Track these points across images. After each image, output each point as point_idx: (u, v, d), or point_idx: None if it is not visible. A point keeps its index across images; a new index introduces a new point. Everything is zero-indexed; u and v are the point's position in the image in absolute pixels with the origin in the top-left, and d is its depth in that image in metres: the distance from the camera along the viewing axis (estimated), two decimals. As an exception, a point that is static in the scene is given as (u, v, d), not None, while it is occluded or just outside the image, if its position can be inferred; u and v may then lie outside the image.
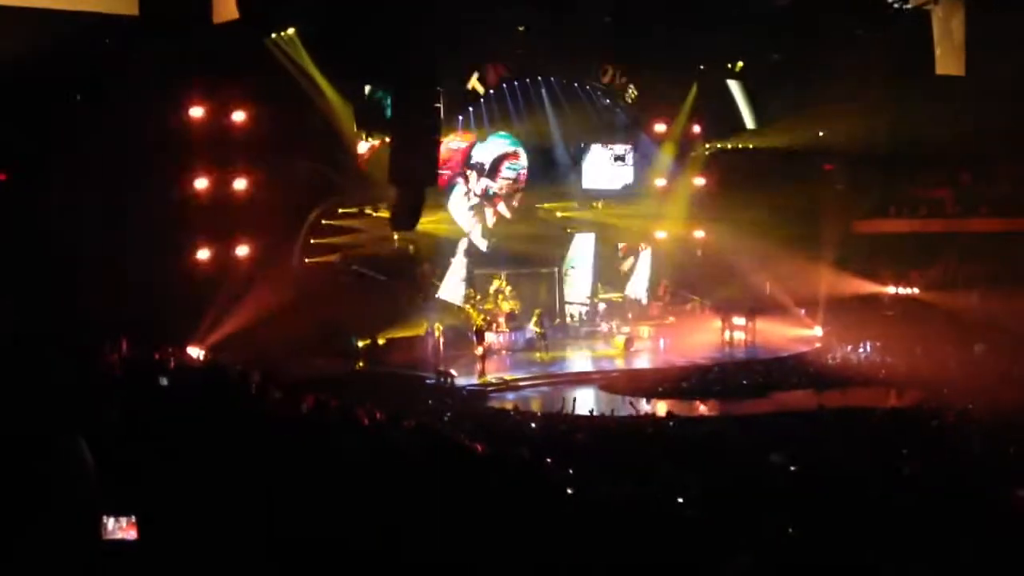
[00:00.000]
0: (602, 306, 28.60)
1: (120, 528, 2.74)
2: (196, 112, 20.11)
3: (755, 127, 27.71)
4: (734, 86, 27.60)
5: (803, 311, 27.00)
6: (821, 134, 27.58)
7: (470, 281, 26.48)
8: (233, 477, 3.66)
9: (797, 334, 26.27)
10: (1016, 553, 6.54)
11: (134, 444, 3.65)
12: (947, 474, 10.78)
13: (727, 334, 26.02)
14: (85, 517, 2.21)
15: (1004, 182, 27.25)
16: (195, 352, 17.43)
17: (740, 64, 27.90)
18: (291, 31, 21.12)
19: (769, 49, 26.44)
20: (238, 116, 20.76)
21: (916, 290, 26.34)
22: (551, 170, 28.08)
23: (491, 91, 25.99)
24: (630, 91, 27.36)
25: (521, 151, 27.46)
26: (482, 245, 27.17)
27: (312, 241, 23.25)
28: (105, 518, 2.66)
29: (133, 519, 2.78)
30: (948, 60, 20.75)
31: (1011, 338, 21.39)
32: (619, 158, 28.80)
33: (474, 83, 25.44)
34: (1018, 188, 26.75)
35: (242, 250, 21.25)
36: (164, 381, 7.25)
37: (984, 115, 23.24)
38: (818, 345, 25.42)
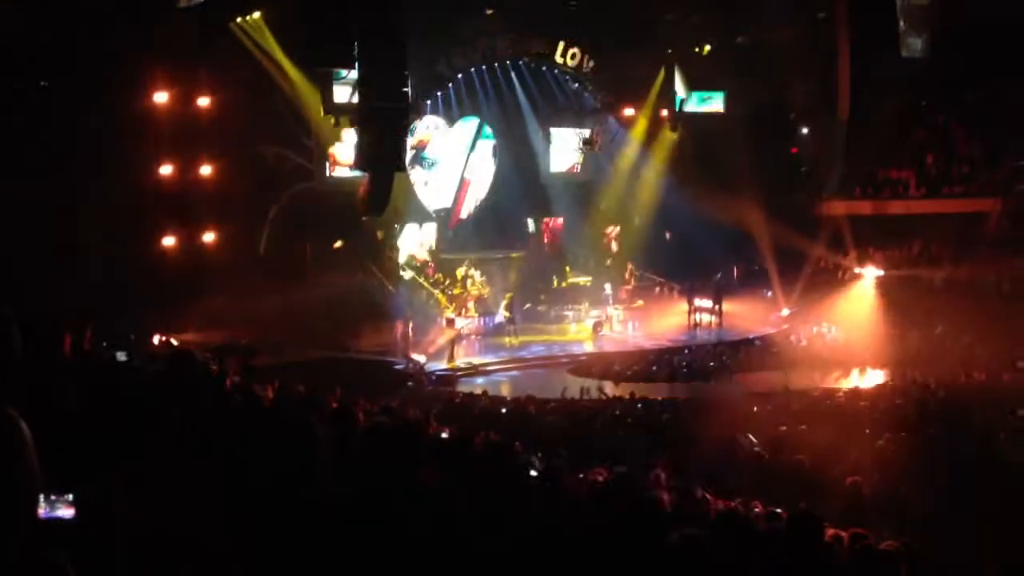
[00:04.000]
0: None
1: (58, 506, 2.75)
2: (160, 98, 19.87)
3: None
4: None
5: (770, 293, 27.17)
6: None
7: (439, 266, 26.41)
8: (185, 459, 3.67)
9: (764, 316, 26.42)
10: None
11: (85, 423, 3.64)
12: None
13: (695, 317, 26.17)
14: (20, 495, 2.20)
15: (966, 162, 27.56)
16: (159, 340, 17.26)
17: (708, 48, 28.03)
18: (256, 15, 20.93)
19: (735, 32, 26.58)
20: (203, 102, 20.53)
21: (881, 271, 26.56)
22: (521, 154, 28.04)
23: (460, 75, 25.93)
24: (586, 61, 27.11)
25: (490, 137, 27.41)
26: (450, 230, 27.15)
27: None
28: (42, 496, 2.66)
29: (70, 498, 2.78)
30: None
31: (971, 318, 21.62)
32: (587, 142, 28.78)
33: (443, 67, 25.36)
34: (979, 168, 27.12)
35: (209, 237, 21.04)
36: (122, 356, 7.17)
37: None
38: (785, 327, 25.61)
